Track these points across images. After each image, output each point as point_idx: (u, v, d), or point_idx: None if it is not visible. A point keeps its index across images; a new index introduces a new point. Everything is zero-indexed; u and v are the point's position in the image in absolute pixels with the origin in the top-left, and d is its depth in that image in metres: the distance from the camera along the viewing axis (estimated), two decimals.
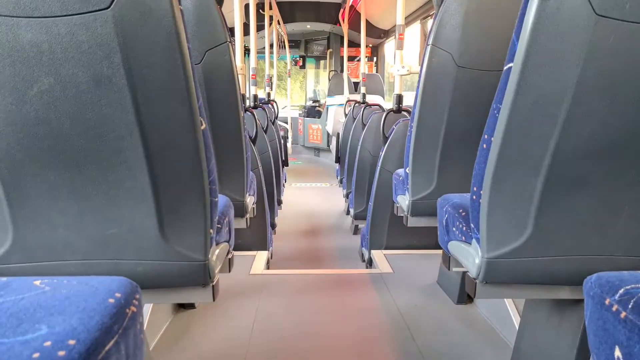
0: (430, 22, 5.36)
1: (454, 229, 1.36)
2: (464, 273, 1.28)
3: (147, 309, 1.58)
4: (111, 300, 0.66)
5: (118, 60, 0.86)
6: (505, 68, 0.95)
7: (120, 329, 0.63)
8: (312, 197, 5.83)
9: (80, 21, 0.84)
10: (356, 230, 4.17)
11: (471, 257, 1.16)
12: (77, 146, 0.93)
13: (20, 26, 0.84)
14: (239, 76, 1.84)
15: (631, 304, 0.66)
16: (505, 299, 1.66)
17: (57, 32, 0.85)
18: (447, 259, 1.44)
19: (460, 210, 1.34)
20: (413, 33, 6.02)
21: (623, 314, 0.67)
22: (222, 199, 1.43)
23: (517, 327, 1.53)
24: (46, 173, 0.95)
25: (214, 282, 1.12)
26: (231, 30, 1.84)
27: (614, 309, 0.69)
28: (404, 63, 2.43)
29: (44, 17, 0.84)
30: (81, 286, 0.70)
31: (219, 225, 1.23)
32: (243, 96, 1.90)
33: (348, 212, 4.66)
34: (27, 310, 0.63)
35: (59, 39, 0.85)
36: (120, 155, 0.94)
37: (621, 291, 0.70)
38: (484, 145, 1.04)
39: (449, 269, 1.44)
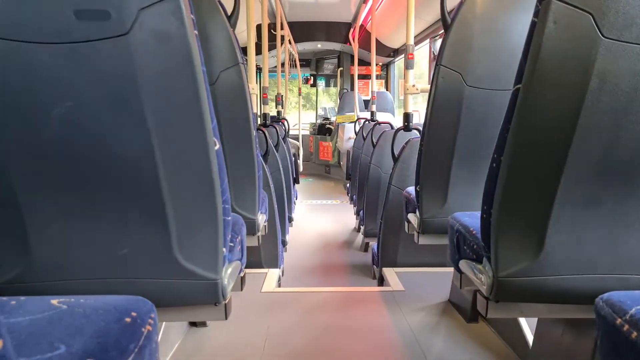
0: (439, 41, 5.40)
1: (464, 247, 1.36)
2: (476, 291, 1.28)
3: (160, 327, 1.59)
4: (127, 320, 0.67)
5: (135, 83, 0.89)
6: (513, 89, 0.96)
7: (136, 348, 0.64)
8: (323, 214, 5.83)
9: (100, 47, 0.87)
10: (367, 248, 4.16)
11: (482, 275, 1.16)
12: (92, 167, 0.96)
13: (41, 52, 0.88)
14: (251, 95, 1.87)
15: None
16: (518, 318, 1.65)
17: (77, 58, 0.88)
18: (459, 278, 1.43)
19: (471, 229, 1.34)
20: (422, 52, 6.08)
21: (634, 335, 0.67)
22: (234, 218, 1.45)
23: (530, 346, 1.52)
24: (62, 194, 0.98)
25: (227, 301, 1.13)
26: (244, 50, 1.88)
27: (625, 329, 0.69)
28: (414, 81, 2.46)
29: (64, 43, 0.88)
30: (98, 305, 0.71)
31: (231, 244, 1.24)
32: (255, 115, 1.93)
33: (359, 229, 4.65)
34: (45, 329, 0.64)
35: (78, 64, 0.88)
36: (135, 175, 0.97)
37: (632, 311, 0.70)
38: (494, 165, 1.05)
39: (460, 288, 1.44)
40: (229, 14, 1.72)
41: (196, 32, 0.92)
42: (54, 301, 0.73)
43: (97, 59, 0.88)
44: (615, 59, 0.87)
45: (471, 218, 1.42)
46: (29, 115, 0.91)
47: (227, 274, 1.13)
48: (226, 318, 1.14)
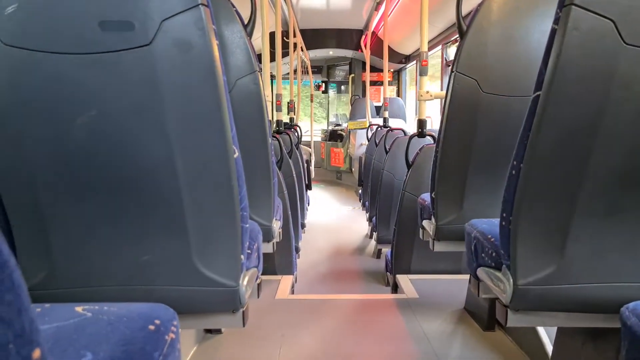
0: (452, 48, 5.39)
1: (482, 254, 1.35)
2: (493, 299, 1.27)
3: None
4: (151, 327, 0.68)
5: (157, 93, 0.90)
6: (533, 96, 0.96)
7: (160, 356, 0.65)
8: (335, 221, 5.83)
9: (123, 57, 0.89)
10: (379, 254, 4.15)
11: (502, 283, 1.15)
12: (114, 175, 0.97)
13: (65, 62, 0.89)
14: (267, 103, 1.88)
15: None
16: (537, 326, 1.63)
17: (101, 68, 0.89)
18: (476, 285, 1.42)
19: (489, 236, 1.33)
20: (433, 58, 6.07)
21: None
22: (251, 225, 1.45)
23: (549, 355, 1.50)
24: (84, 201, 0.99)
25: (244, 308, 1.13)
26: (258, 57, 1.89)
27: None
28: (428, 88, 2.46)
29: (88, 54, 0.89)
30: (122, 312, 0.72)
31: (249, 251, 1.25)
32: (269, 122, 1.94)
33: (371, 236, 4.64)
34: (71, 337, 0.65)
35: (102, 74, 0.90)
36: (156, 183, 0.97)
37: None
38: (513, 172, 1.04)
39: (478, 295, 1.43)
40: (246, 22, 1.73)
41: (217, 41, 0.93)
42: (79, 308, 0.74)
43: (120, 69, 0.89)
44: (637, 66, 0.87)
45: (489, 225, 1.41)
46: (53, 124, 0.92)
47: (245, 281, 1.13)
48: (244, 325, 1.14)
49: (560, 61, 0.88)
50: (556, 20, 0.89)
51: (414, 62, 7.61)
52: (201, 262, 1.03)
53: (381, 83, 7.43)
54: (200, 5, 0.89)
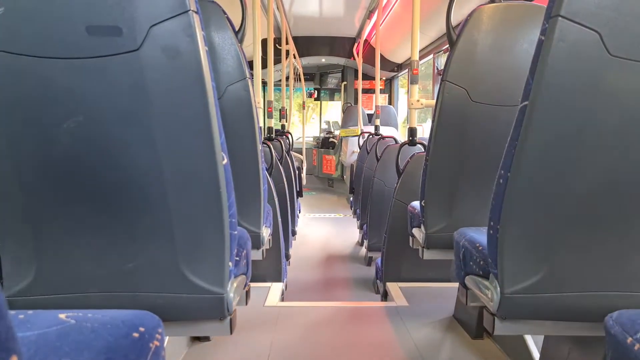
0: (443, 57, 5.43)
1: (470, 263, 1.36)
2: (482, 308, 1.27)
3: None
4: (135, 335, 0.67)
5: (145, 99, 0.90)
6: (520, 105, 0.97)
7: None
8: (326, 228, 5.82)
9: (111, 62, 0.88)
10: (370, 262, 4.15)
11: (489, 292, 1.16)
12: (101, 181, 0.96)
13: (53, 67, 0.89)
14: (257, 110, 1.88)
15: None
16: (524, 334, 1.63)
17: (88, 73, 0.89)
18: (465, 293, 1.43)
19: (477, 245, 1.34)
20: (425, 67, 6.11)
21: None
22: (239, 232, 1.45)
23: None
24: (70, 207, 0.98)
25: (232, 316, 1.12)
26: (249, 64, 1.89)
27: (635, 348, 0.68)
28: (418, 97, 2.47)
29: (75, 59, 0.89)
30: (106, 319, 0.71)
31: (237, 258, 1.24)
32: (260, 129, 1.94)
33: (362, 243, 4.64)
34: (53, 344, 0.64)
35: (90, 79, 0.89)
36: (143, 190, 0.97)
37: None
38: (501, 181, 1.05)
39: (466, 304, 1.43)
40: (237, 29, 1.74)
41: (206, 47, 0.93)
42: (62, 315, 0.73)
43: (108, 74, 0.89)
44: (622, 77, 0.88)
45: (477, 233, 1.42)
46: (39, 129, 0.91)
47: (233, 288, 1.13)
48: (231, 333, 1.13)
49: (546, 72, 0.89)
50: (543, 31, 0.91)
51: (406, 70, 7.66)
52: (188, 269, 1.03)
53: (373, 91, 7.46)
54: (189, 12, 0.89)
